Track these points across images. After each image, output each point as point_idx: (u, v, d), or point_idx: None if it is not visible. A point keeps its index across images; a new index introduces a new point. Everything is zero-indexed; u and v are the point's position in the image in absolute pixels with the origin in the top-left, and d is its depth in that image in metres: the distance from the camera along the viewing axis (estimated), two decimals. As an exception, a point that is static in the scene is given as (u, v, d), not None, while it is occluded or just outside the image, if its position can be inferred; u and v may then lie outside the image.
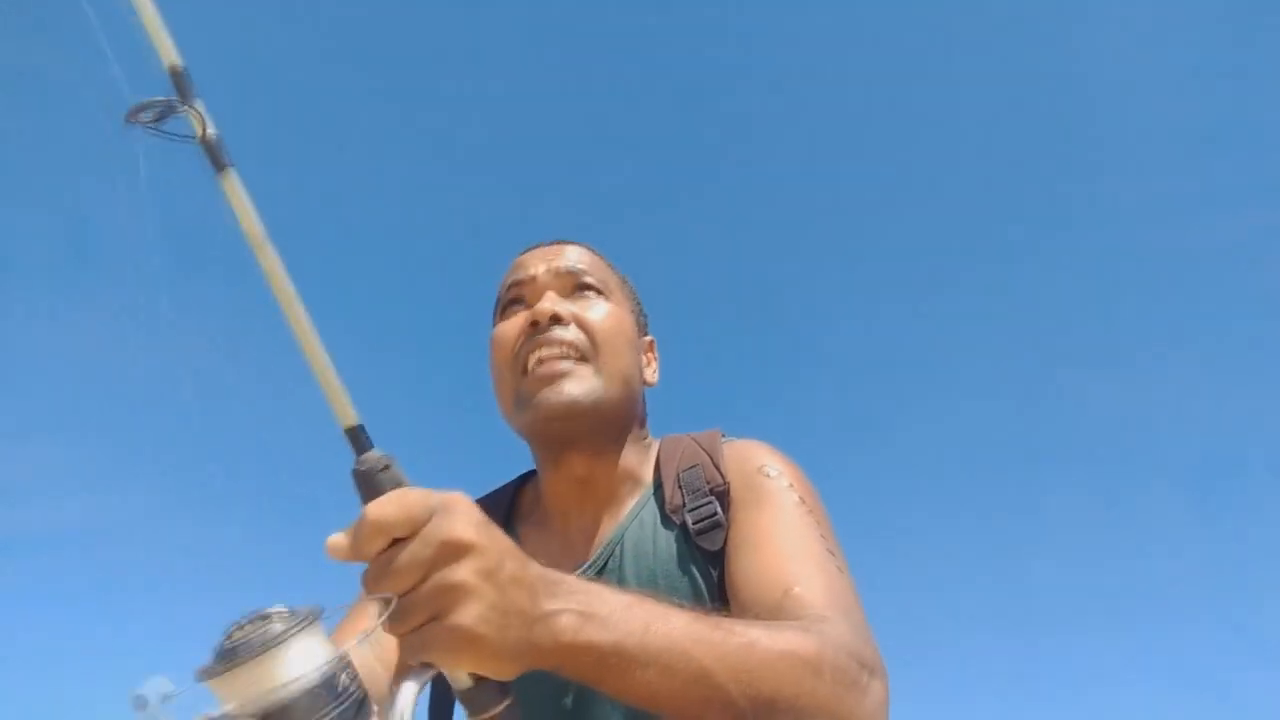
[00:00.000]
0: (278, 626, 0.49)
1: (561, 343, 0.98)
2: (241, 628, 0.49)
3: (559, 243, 1.11)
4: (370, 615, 0.53)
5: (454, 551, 0.51)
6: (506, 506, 1.10)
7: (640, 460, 1.05)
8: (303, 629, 0.49)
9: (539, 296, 1.02)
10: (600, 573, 0.95)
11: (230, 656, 0.48)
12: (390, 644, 0.88)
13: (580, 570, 0.96)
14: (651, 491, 1.01)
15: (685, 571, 0.92)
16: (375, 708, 0.53)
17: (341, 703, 0.50)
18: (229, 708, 0.47)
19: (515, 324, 1.02)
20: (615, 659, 0.58)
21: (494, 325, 1.08)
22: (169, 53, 0.59)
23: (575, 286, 1.04)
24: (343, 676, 0.51)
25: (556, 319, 0.99)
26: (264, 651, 0.48)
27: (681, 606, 0.65)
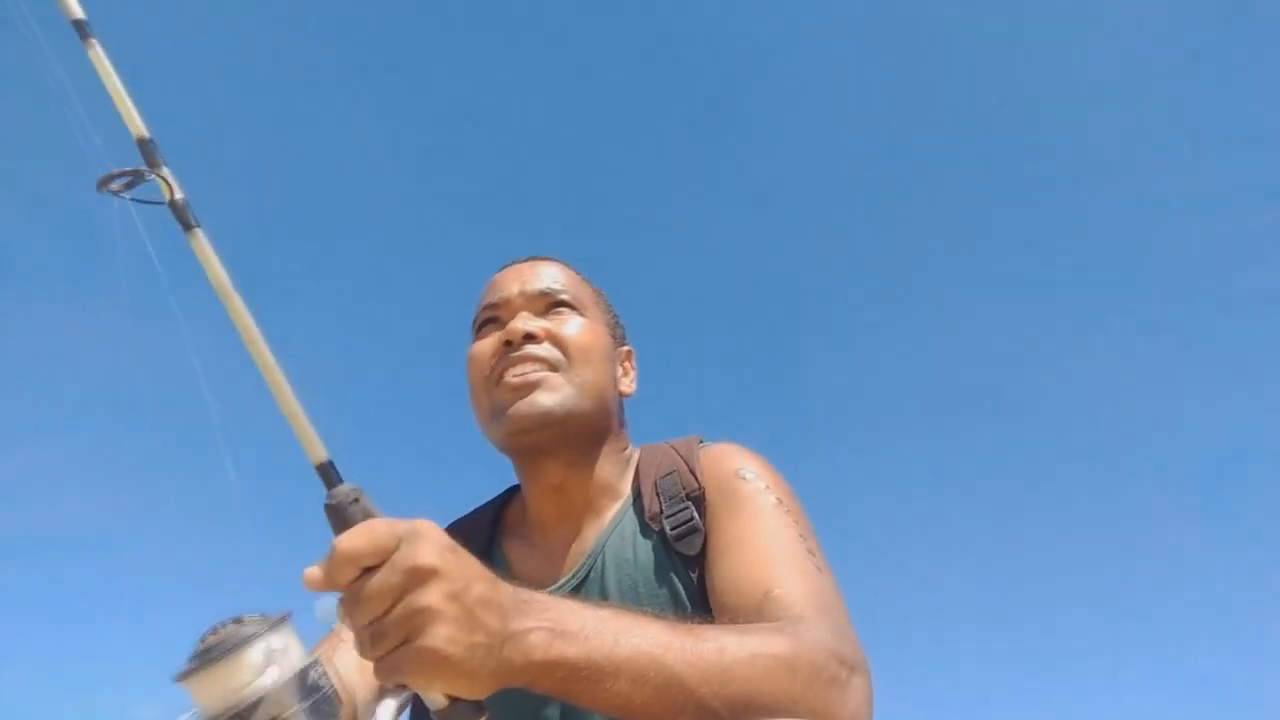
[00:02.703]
0: (249, 628, 0.52)
1: (535, 358, 1.00)
2: (216, 631, 0.52)
3: (533, 260, 1.13)
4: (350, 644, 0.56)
5: (420, 577, 0.54)
6: (491, 522, 1.12)
7: (619, 470, 1.07)
8: (272, 630, 0.52)
9: (513, 316, 1.05)
10: (582, 583, 0.97)
11: (204, 657, 0.51)
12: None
13: (562, 581, 0.98)
14: (631, 501, 1.03)
15: (665, 578, 0.94)
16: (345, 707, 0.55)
17: (310, 698, 0.52)
18: (203, 707, 0.51)
19: (490, 342, 1.05)
20: (587, 672, 0.60)
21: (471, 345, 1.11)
22: (137, 125, 0.64)
23: (549, 305, 1.07)
24: (312, 674, 0.53)
25: (530, 337, 1.02)
26: (235, 651, 0.51)
27: (656, 616, 0.67)
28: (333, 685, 0.54)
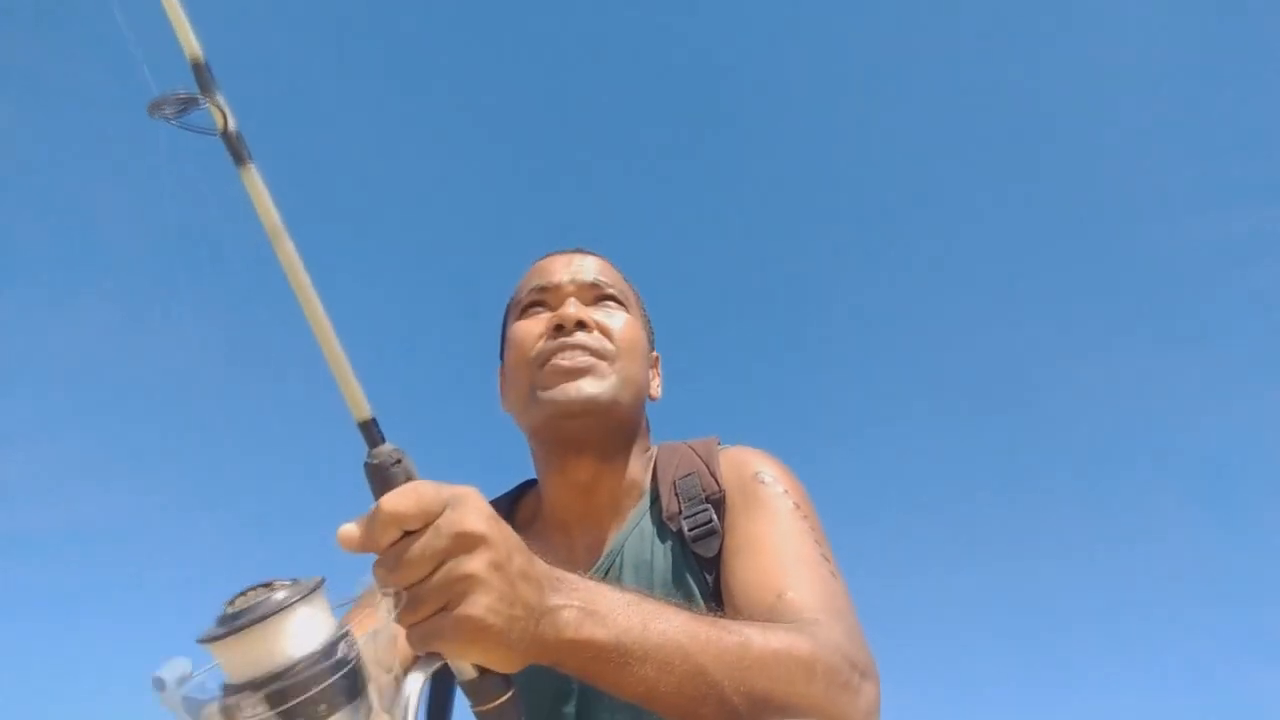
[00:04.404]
0: (281, 594, 0.49)
1: (585, 347, 1.00)
2: (245, 595, 0.49)
3: (580, 251, 1.13)
4: (376, 609, 0.54)
5: (467, 543, 0.53)
6: (503, 517, 1.10)
7: (641, 470, 1.06)
8: (305, 598, 0.49)
9: (562, 302, 1.04)
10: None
11: (233, 622, 0.48)
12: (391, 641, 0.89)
13: None
14: (649, 500, 1.03)
15: (681, 579, 0.94)
16: (373, 687, 0.54)
17: (341, 672, 0.50)
18: (229, 673, 0.48)
19: (538, 324, 1.03)
20: (614, 654, 0.59)
21: (509, 326, 1.09)
22: (192, 45, 0.60)
23: (598, 297, 1.07)
24: (342, 645, 0.51)
25: (582, 324, 1.01)
26: (266, 618, 0.48)
27: (682, 606, 0.67)
28: (360, 658, 0.52)
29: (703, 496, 0.96)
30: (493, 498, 1.16)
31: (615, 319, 1.05)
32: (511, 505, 1.13)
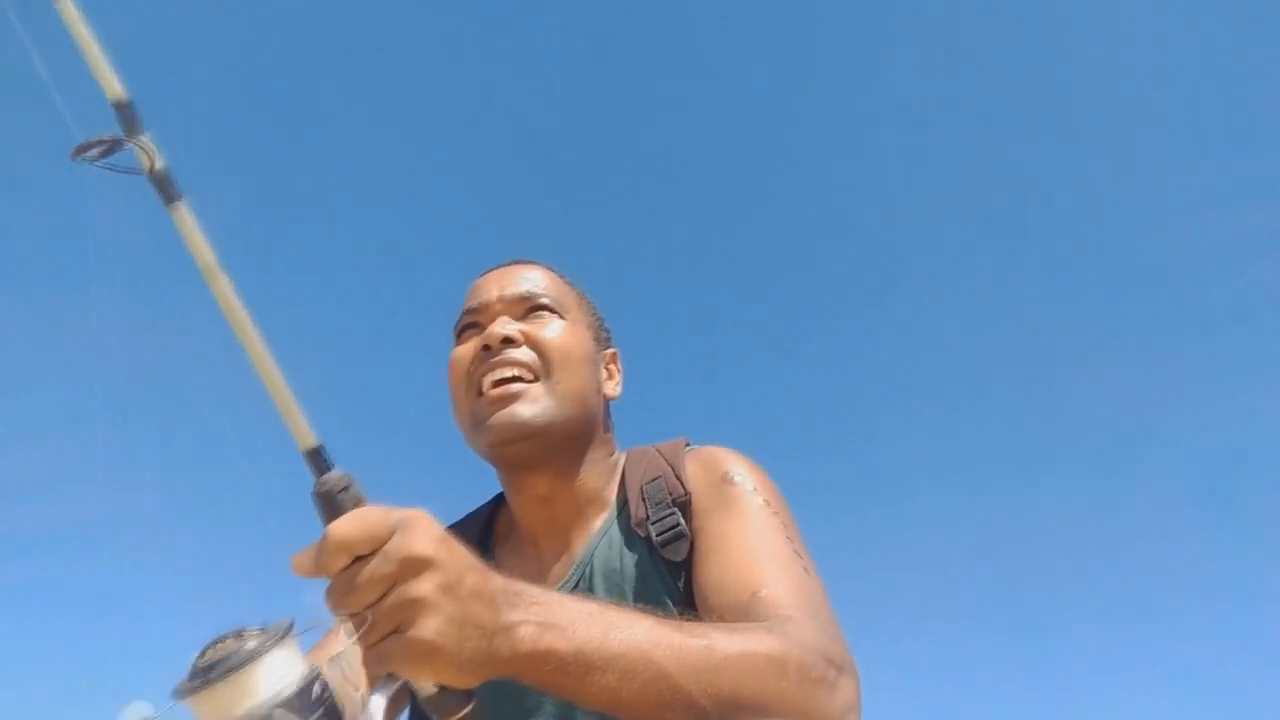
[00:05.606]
0: (251, 643, 0.50)
1: (514, 363, 1.00)
2: (216, 645, 0.51)
3: (514, 264, 1.12)
4: (343, 634, 0.56)
5: (414, 567, 0.53)
6: (482, 529, 1.12)
7: (605, 475, 1.06)
8: (276, 644, 0.51)
9: (492, 320, 1.04)
10: (571, 594, 0.97)
11: (206, 674, 0.49)
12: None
13: None
14: (617, 508, 1.03)
15: (652, 585, 0.94)
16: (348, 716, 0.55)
17: (317, 713, 0.51)
18: None
19: (469, 348, 1.04)
20: (575, 665, 0.60)
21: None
22: (114, 86, 0.60)
23: (529, 309, 1.06)
24: (315, 687, 0.52)
25: (508, 341, 1.01)
26: (239, 668, 0.49)
27: (646, 612, 0.67)
28: (334, 696, 0.53)
29: (669, 500, 0.96)
30: (471, 510, 1.17)
31: (550, 328, 1.04)
32: (490, 517, 1.13)
